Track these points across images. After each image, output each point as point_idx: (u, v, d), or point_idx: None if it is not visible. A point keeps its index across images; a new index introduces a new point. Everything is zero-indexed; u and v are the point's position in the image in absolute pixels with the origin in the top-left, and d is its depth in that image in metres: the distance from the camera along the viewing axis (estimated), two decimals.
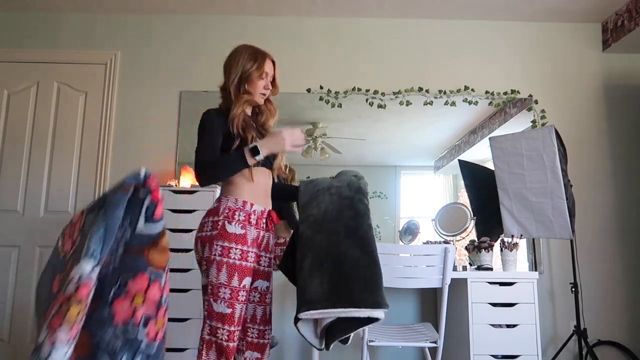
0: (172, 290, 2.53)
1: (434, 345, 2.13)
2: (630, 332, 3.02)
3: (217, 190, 2.67)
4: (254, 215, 1.77)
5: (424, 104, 3.25)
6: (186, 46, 3.35)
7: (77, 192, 3.15)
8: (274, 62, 1.95)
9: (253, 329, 1.82)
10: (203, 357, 1.67)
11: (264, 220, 1.82)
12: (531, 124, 3.22)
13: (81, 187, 3.16)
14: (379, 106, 3.24)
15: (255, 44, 3.44)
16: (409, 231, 2.99)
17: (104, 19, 3.37)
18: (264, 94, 1.89)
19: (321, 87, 3.26)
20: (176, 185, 2.84)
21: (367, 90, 3.25)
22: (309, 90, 3.27)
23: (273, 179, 1.91)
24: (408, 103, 3.25)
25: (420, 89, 3.27)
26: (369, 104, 3.24)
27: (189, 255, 2.57)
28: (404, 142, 3.26)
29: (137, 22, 3.38)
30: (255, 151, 1.70)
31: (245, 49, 1.92)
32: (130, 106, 3.27)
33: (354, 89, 3.26)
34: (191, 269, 2.57)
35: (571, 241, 2.78)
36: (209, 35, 3.36)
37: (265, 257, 1.86)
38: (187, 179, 2.87)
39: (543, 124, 3.19)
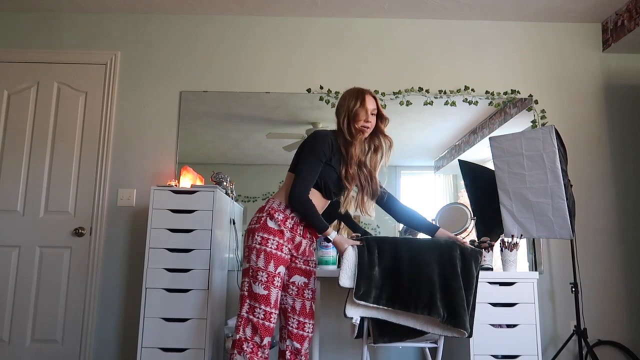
0: (172, 290, 2.54)
1: (434, 345, 2.13)
2: (630, 332, 3.03)
3: (217, 191, 2.67)
4: (291, 220, 2.02)
5: (424, 104, 3.25)
6: (186, 46, 3.35)
7: (77, 192, 3.15)
8: (374, 98, 2.12)
9: (293, 318, 2.08)
10: (240, 332, 1.92)
11: (301, 228, 2.06)
12: (531, 124, 3.22)
13: (81, 187, 3.16)
14: None
15: (256, 44, 3.48)
16: (409, 231, 2.98)
17: (104, 19, 3.37)
18: (366, 127, 2.08)
19: (321, 87, 3.26)
20: (176, 185, 2.84)
21: None
22: (309, 90, 3.27)
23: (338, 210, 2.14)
24: (408, 103, 3.25)
25: (420, 89, 3.27)
26: None
27: (189, 255, 2.58)
28: (404, 142, 3.25)
29: (137, 22, 3.38)
30: (327, 239, 2.02)
31: (350, 90, 2.14)
32: (130, 106, 3.27)
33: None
34: (191, 269, 2.57)
35: (571, 241, 2.78)
36: (210, 36, 3.36)
37: (301, 259, 2.10)
38: (187, 179, 2.87)
39: (543, 124, 3.19)
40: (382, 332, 2.02)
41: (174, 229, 2.61)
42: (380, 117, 2.11)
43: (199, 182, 2.91)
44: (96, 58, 3.31)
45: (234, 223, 2.97)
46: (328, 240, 2.03)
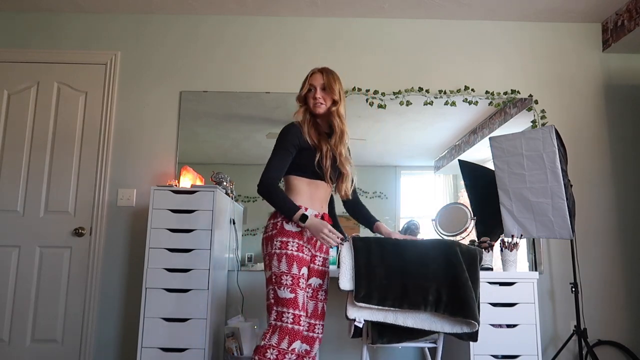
0: (172, 290, 2.54)
1: (433, 345, 2.13)
2: (630, 332, 3.02)
3: (217, 191, 2.67)
4: None
5: (424, 104, 3.25)
6: (186, 46, 3.35)
7: (77, 192, 3.15)
8: (322, 72, 2.09)
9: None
10: (265, 339, 1.84)
11: None
12: (531, 124, 3.22)
13: (81, 187, 3.16)
14: (379, 106, 3.24)
15: (256, 44, 3.48)
16: (409, 231, 2.99)
17: (104, 19, 3.37)
18: (316, 103, 2.05)
19: None
20: (176, 185, 2.84)
21: (367, 90, 3.25)
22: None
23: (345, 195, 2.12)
24: (408, 103, 3.25)
25: (420, 89, 3.27)
26: (369, 104, 3.24)
27: (189, 255, 2.58)
28: (404, 142, 3.25)
29: (137, 22, 3.38)
30: (303, 218, 1.90)
31: None
32: (130, 106, 3.27)
33: (354, 89, 3.25)
34: (191, 269, 2.57)
35: (571, 241, 2.78)
36: (209, 36, 3.36)
37: (320, 256, 2.07)
38: (187, 179, 2.87)
39: (543, 124, 3.19)
40: (381, 333, 2.02)
41: (174, 229, 2.61)
42: (332, 97, 2.05)
43: (199, 182, 2.91)
44: (96, 58, 3.31)
45: (234, 223, 2.97)
46: (304, 219, 1.89)
